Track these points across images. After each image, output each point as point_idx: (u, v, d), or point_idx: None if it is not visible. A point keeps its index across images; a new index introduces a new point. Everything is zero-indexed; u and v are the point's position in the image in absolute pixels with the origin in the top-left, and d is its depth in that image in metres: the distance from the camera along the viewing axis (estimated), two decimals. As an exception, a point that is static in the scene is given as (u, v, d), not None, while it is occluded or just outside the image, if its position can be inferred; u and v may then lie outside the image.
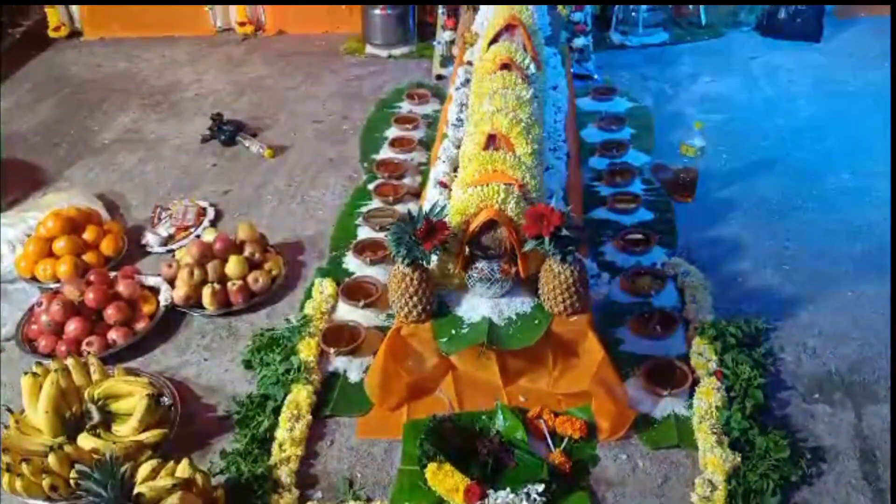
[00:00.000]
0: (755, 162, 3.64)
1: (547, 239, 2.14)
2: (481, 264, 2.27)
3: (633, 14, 4.82)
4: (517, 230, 2.23)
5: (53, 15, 5.48)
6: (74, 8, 5.51)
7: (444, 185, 2.85)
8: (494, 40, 3.30)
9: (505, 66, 3.02)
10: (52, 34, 5.49)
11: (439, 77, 4.64)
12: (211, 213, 3.47)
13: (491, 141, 2.55)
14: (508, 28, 3.33)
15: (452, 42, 4.62)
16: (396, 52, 5.03)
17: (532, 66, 3.12)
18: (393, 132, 4.01)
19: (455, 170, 2.94)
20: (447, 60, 4.62)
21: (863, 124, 3.91)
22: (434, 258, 2.32)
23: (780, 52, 4.77)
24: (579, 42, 4.48)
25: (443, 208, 2.26)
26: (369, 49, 5.08)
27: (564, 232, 2.14)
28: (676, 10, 4.95)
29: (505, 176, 2.34)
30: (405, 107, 4.29)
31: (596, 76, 4.48)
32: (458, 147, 3.08)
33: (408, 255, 2.20)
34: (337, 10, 5.02)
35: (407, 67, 4.88)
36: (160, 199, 3.60)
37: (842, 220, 3.21)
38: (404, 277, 2.25)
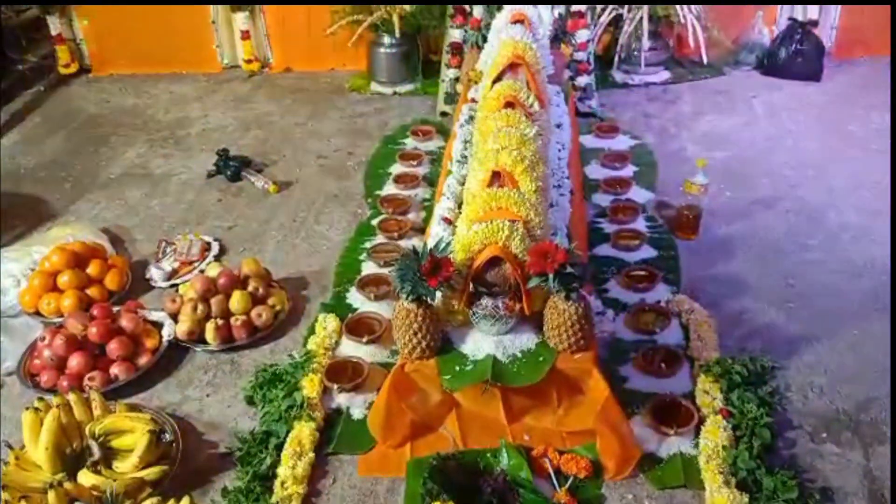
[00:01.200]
0: (758, 200, 3.66)
1: (551, 276, 2.15)
2: (485, 301, 2.27)
3: (636, 53, 4.88)
4: (521, 267, 2.24)
5: (63, 52, 5.56)
6: (84, 45, 5.59)
7: (448, 221, 2.86)
8: (498, 79, 3.33)
9: (509, 105, 3.05)
10: (61, 70, 5.56)
11: (443, 114, 4.69)
12: (215, 248, 3.48)
13: (495, 178, 2.57)
14: (512, 67, 3.36)
15: (457, 80, 4.67)
16: (401, 89, 5.09)
17: (536, 105, 3.14)
18: (397, 168, 4.03)
19: (459, 206, 2.95)
20: (451, 98, 4.67)
21: (864, 163, 3.93)
22: (438, 295, 2.32)
23: (781, 92, 4.81)
24: (582, 81, 4.53)
25: (447, 245, 2.27)
26: (374, 86, 5.14)
27: (569, 269, 2.14)
28: (678, 50, 5.01)
29: (509, 213, 2.35)
30: (410, 143, 4.33)
31: (599, 114, 4.52)
32: (462, 184, 3.09)
33: (412, 291, 2.20)
34: (343, 48, 5.09)
35: (411, 104, 4.93)
36: (165, 233, 3.62)
37: (846, 258, 3.22)
38: (408, 314, 2.25)
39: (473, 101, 3.81)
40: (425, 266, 2.17)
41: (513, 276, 2.23)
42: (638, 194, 3.68)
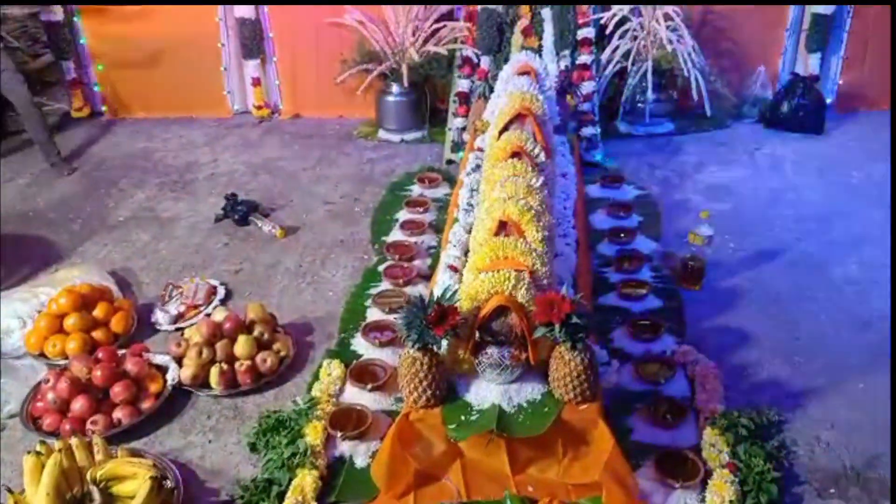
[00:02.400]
0: (762, 251, 3.67)
1: (557, 326, 2.15)
2: (491, 350, 2.27)
3: (640, 105, 4.95)
4: (528, 317, 2.24)
5: (77, 96, 5.67)
6: (98, 89, 5.69)
7: (454, 269, 2.88)
8: (505, 129, 3.39)
9: (516, 154, 3.09)
10: (74, 114, 5.67)
11: (450, 162, 4.75)
12: (221, 292, 3.49)
13: (502, 227, 2.59)
14: (519, 117, 3.42)
15: (464, 129, 4.74)
16: (408, 136, 5.16)
17: (542, 155, 3.19)
18: (404, 215, 4.07)
19: (466, 254, 2.98)
20: (458, 146, 4.74)
21: (867, 216, 3.96)
22: (444, 343, 2.32)
23: (784, 144, 4.87)
24: (587, 131, 4.60)
25: (454, 293, 2.28)
26: (382, 133, 5.21)
27: (575, 319, 2.14)
28: (682, 102, 5.08)
29: (516, 263, 2.37)
30: (416, 190, 4.37)
31: (604, 164, 4.57)
32: (469, 232, 3.12)
33: (419, 339, 2.20)
34: (352, 95, 5.18)
35: (418, 152, 5.00)
36: (172, 276, 3.64)
37: (850, 311, 3.22)
38: (414, 362, 2.25)
39: (480, 149, 3.86)
40: (432, 314, 2.17)
41: (519, 326, 2.23)
42: (643, 244, 3.70)
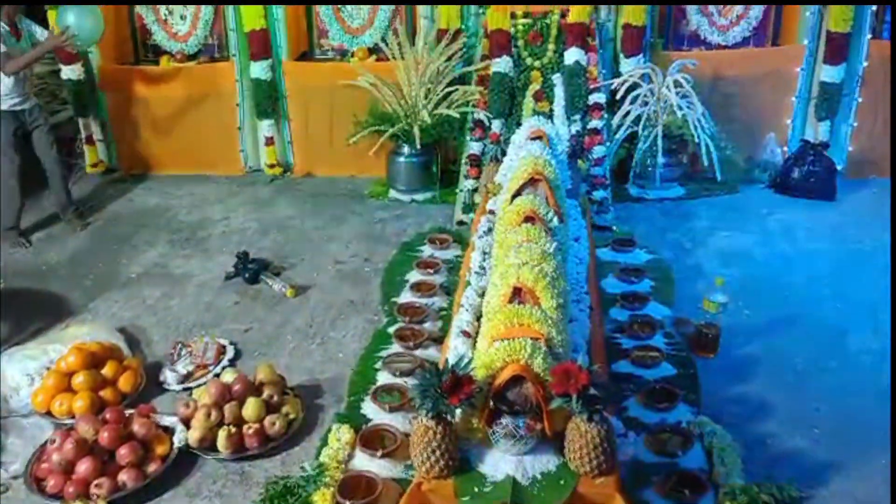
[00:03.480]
0: (776, 319, 3.64)
1: (574, 397, 2.12)
2: (506, 420, 2.23)
3: (651, 169, 4.99)
4: (544, 386, 2.21)
5: (92, 152, 5.75)
6: (113, 147, 5.78)
7: (467, 334, 2.85)
8: (518, 193, 3.40)
9: (529, 219, 3.10)
10: (89, 170, 5.75)
11: (461, 223, 4.76)
12: (231, 352, 3.47)
13: (516, 294, 2.58)
14: (532, 182, 3.44)
15: (474, 190, 4.77)
16: (419, 197, 5.19)
17: (555, 220, 3.20)
18: (414, 276, 4.06)
19: (478, 319, 2.95)
20: (469, 207, 4.76)
21: (880, 283, 3.92)
22: (458, 412, 2.28)
23: (795, 210, 4.88)
24: (598, 194, 4.62)
25: (469, 362, 2.25)
26: (393, 193, 5.25)
27: (592, 391, 2.11)
28: (692, 166, 5.12)
29: (531, 331, 2.34)
30: (427, 251, 4.37)
31: (615, 227, 4.58)
32: (482, 295, 3.10)
33: (433, 408, 2.17)
34: (363, 156, 5.21)
35: (429, 212, 5.02)
36: (181, 334, 3.62)
37: (868, 382, 3.16)
38: (427, 431, 2.21)
39: (492, 212, 3.86)
40: (447, 383, 2.14)
41: (535, 396, 2.20)
42: (655, 310, 3.67)
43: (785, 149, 5.35)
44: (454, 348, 2.77)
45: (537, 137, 3.81)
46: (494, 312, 2.51)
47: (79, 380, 3.06)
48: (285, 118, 5.61)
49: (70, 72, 5.49)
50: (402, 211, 5.07)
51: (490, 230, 3.64)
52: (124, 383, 3.14)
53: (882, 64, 5.14)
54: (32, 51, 4.45)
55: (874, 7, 5.10)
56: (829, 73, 5.22)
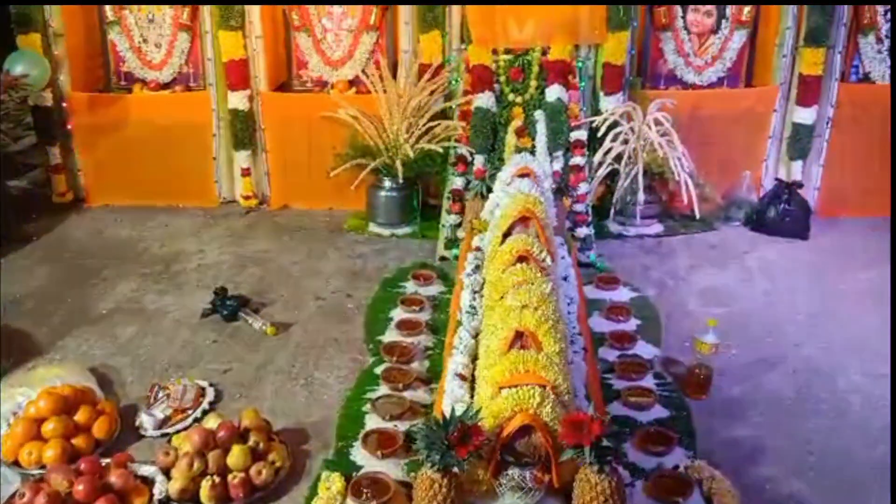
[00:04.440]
0: (763, 358, 3.63)
1: (587, 448, 2.06)
2: (513, 471, 2.16)
3: (631, 206, 5.00)
4: (553, 436, 2.15)
5: (60, 181, 5.57)
6: (81, 175, 5.60)
7: (462, 377, 2.78)
8: (508, 232, 3.36)
9: (522, 259, 3.06)
10: (56, 199, 5.55)
11: (443, 258, 4.70)
12: (210, 394, 3.32)
13: (517, 338, 2.52)
14: (522, 220, 3.41)
15: (457, 226, 4.72)
16: (399, 231, 5.12)
17: (548, 259, 3.16)
18: (399, 313, 3.97)
19: (473, 360, 2.89)
20: (451, 243, 4.70)
21: (863, 322, 3.97)
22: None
23: (772, 248, 4.93)
24: (582, 232, 4.62)
25: (477, 412, 2.18)
26: (372, 227, 5.17)
27: (605, 442, 2.05)
28: (671, 203, 5.15)
29: (537, 377, 2.29)
30: (410, 287, 4.29)
31: (598, 265, 4.56)
32: (475, 336, 3.04)
33: (440, 461, 2.09)
34: (343, 189, 5.13)
35: (409, 247, 4.94)
36: (157, 374, 3.47)
37: (859, 423, 3.17)
38: (432, 484, 2.12)
39: (478, 249, 3.82)
40: (455, 434, 2.06)
41: (543, 447, 2.13)
42: (644, 349, 3.64)
43: (760, 187, 5.43)
44: (450, 392, 2.69)
45: (525, 175, 3.79)
46: (497, 357, 2.44)
47: (49, 427, 2.88)
48: (262, 149, 5.51)
49: (37, 97, 5.32)
50: (383, 245, 4.98)
51: (478, 268, 3.60)
52: (98, 430, 2.97)
53: (850, 107, 5.28)
54: None
55: (841, 51, 5.24)
56: (801, 115, 5.33)
